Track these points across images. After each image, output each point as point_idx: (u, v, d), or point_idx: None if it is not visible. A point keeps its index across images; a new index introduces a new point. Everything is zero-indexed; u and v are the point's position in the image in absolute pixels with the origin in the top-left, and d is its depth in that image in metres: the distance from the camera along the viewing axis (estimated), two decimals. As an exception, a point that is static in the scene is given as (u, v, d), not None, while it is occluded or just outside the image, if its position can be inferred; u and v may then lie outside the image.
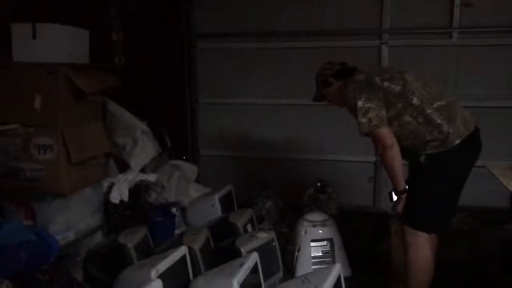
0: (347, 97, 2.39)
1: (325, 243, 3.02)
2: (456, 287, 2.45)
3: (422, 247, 2.32)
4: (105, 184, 3.13)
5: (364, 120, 2.28)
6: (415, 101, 2.30)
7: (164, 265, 2.27)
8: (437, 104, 2.30)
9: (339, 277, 2.25)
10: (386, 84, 2.33)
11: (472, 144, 2.34)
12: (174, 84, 4.38)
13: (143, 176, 3.27)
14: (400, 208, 2.38)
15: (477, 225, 3.17)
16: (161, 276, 2.17)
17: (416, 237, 2.32)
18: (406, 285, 2.41)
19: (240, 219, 3.18)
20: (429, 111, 2.29)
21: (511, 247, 2.88)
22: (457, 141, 2.27)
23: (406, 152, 2.39)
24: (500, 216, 3.63)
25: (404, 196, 2.36)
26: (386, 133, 2.29)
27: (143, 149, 3.37)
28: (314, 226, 3.07)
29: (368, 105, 2.28)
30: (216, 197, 3.52)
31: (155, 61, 4.22)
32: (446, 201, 2.36)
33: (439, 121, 2.27)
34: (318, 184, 3.92)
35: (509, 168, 2.41)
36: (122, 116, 3.41)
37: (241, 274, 2.20)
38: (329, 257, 2.99)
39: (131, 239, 2.75)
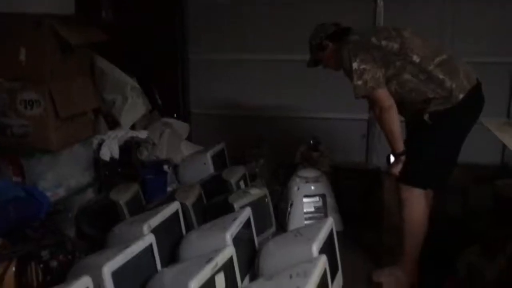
0: (342, 60, 2.32)
1: (317, 198, 3.03)
2: (449, 241, 2.46)
3: (417, 203, 2.31)
4: (95, 141, 3.09)
5: (359, 82, 2.22)
6: (415, 58, 2.23)
7: (156, 220, 2.26)
8: (438, 59, 2.24)
9: (331, 231, 2.26)
10: (383, 43, 2.26)
11: (475, 99, 2.29)
12: (164, 40, 4.26)
13: (134, 133, 3.23)
14: (398, 170, 2.34)
15: (470, 181, 3.18)
16: (153, 231, 2.16)
17: (412, 193, 2.31)
18: (399, 239, 2.42)
19: (233, 176, 3.16)
20: (430, 67, 2.22)
21: (503, 202, 2.90)
22: (461, 95, 2.21)
23: (408, 111, 2.35)
24: (493, 171, 3.65)
25: (402, 158, 2.32)
26: (384, 95, 2.23)
27: (133, 106, 3.32)
28: (306, 182, 3.07)
29: (363, 66, 2.21)
30: (209, 155, 3.49)
31: (143, 16, 4.08)
32: (448, 158, 2.34)
33: (441, 76, 2.21)
34: (311, 141, 3.90)
35: (505, 123, 2.39)
36: (111, 72, 3.34)
37: (234, 228, 2.19)
38: (321, 212, 3.00)
39: (122, 196, 2.73)
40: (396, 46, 2.24)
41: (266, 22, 4.21)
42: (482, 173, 3.54)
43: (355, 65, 2.21)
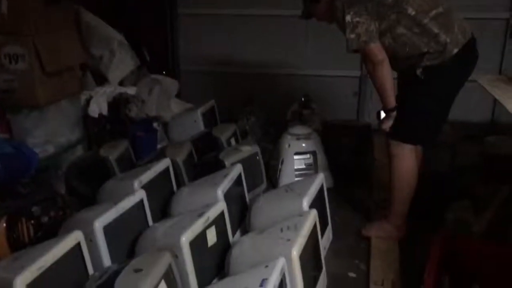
0: (335, 12, 2.25)
1: (308, 156, 3.02)
2: (437, 196, 2.49)
3: (407, 158, 2.31)
4: (83, 97, 3.04)
5: (352, 35, 2.16)
6: (410, 11, 2.16)
7: (147, 176, 2.26)
8: (433, 12, 2.18)
9: (322, 186, 2.27)
10: None
11: (469, 54, 2.25)
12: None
13: (122, 89, 3.18)
14: (388, 125, 2.32)
15: (460, 138, 3.19)
16: (144, 187, 2.16)
17: (402, 148, 2.31)
18: (388, 195, 2.44)
19: (224, 133, 3.15)
20: (425, 20, 2.16)
21: (491, 159, 2.93)
22: (455, 50, 2.17)
23: (401, 66, 2.31)
24: (482, 129, 3.67)
25: (393, 114, 2.29)
26: (376, 49, 2.17)
27: (121, 61, 3.25)
28: (297, 139, 3.05)
29: (357, 19, 2.15)
30: (199, 112, 3.47)
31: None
32: (439, 114, 2.33)
33: (436, 30, 2.16)
34: (302, 99, 3.87)
35: (497, 79, 2.37)
36: (97, 27, 3.25)
37: (225, 184, 2.20)
38: (312, 169, 3.00)
39: (112, 152, 2.72)
40: None
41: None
42: (471, 130, 3.57)
43: (348, 17, 2.15)
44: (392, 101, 2.26)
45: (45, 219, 2.15)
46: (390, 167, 2.38)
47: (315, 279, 1.90)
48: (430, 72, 2.18)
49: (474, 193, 2.57)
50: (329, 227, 2.35)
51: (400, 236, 2.40)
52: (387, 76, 2.21)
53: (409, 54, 2.21)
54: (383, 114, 2.32)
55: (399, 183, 2.34)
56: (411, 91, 2.29)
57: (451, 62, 2.17)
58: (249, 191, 2.56)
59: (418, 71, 2.20)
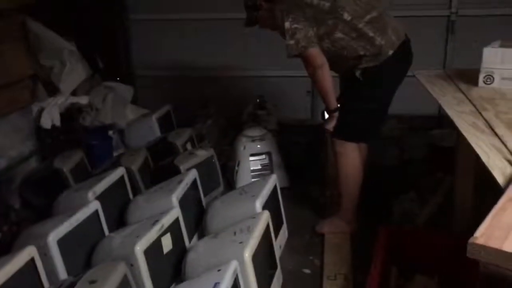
0: (275, 20, 2.32)
1: (263, 156, 3.09)
2: (386, 189, 2.61)
3: (351, 156, 2.42)
4: (35, 108, 3.00)
5: (292, 42, 2.23)
6: (346, 16, 2.25)
7: (101, 186, 2.27)
8: (368, 17, 2.27)
9: (275, 187, 2.34)
10: (315, 1, 2.25)
11: (404, 54, 2.37)
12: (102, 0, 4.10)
13: (74, 99, 3.16)
14: (332, 126, 2.41)
15: (407, 132, 3.33)
16: (99, 198, 2.17)
17: (346, 147, 2.41)
18: (339, 192, 2.54)
19: (179, 138, 3.18)
20: (361, 25, 2.26)
21: (437, 150, 3.08)
22: (390, 52, 2.29)
23: (340, 68, 2.41)
24: (429, 123, 3.83)
25: (336, 114, 2.38)
26: (315, 54, 2.25)
27: (72, 71, 3.21)
28: (252, 141, 3.11)
29: (295, 25, 2.22)
30: (154, 118, 3.48)
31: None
32: (378, 112, 2.44)
33: (371, 34, 2.27)
34: (258, 100, 3.94)
35: (436, 76, 2.49)
36: (46, 36, 3.19)
37: (180, 190, 2.23)
38: (268, 169, 3.07)
39: (67, 163, 2.71)
40: (327, 4, 2.24)
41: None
42: (419, 124, 3.72)
43: (287, 24, 2.23)
44: (333, 102, 2.36)
45: (-2, 234, 2.14)
46: (335, 165, 2.48)
47: (271, 278, 1.97)
48: (368, 74, 2.30)
49: (420, 185, 2.70)
50: (284, 226, 2.41)
51: (352, 230, 2.51)
52: (327, 79, 2.29)
53: (347, 57, 2.31)
54: (326, 115, 2.41)
55: (345, 179, 2.45)
56: (351, 92, 2.40)
57: (387, 63, 2.28)
58: (205, 194, 2.60)
59: (357, 73, 2.31)
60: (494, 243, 1.02)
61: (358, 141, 2.45)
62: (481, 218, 1.11)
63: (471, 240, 1.03)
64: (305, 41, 2.22)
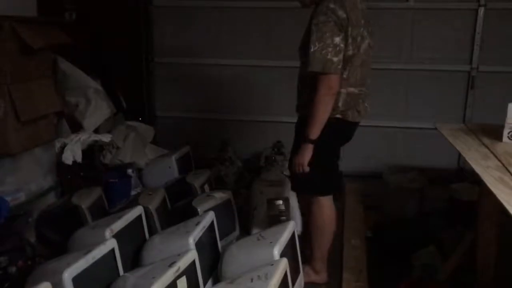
0: (317, 14, 2.15)
1: (280, 202, 3.06)
2: (403, 240, 2.55)
3: (325, 206, 2.42)
4: (57, 144, 3.04)
5: (319, 55, 2.09)
6: (345, 75, 2.21)
7: (119, 225, 2.26)
8: (350, 89, 2.26)
9: (293, 234, 2.30)
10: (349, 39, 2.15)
11: (347, 132, 2.43)
12: (129, 43, 4.23)
13: (97, 137, 3.20)
14: (307, 159, 2.25)
15: (426, 184, 3.30)
16: (116, 236, 2.15)
17: (318, 201, 2.41)
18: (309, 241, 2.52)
19: (197, 180, 3.18)
20: (342, 90, 2.23)
21: (456, 204, 3.03)
22: (358, 120, 2.35)
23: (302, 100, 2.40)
24: (448, 176, 3.79)
25: (311, 147, 2.23)
26: (337, 81, 2.16)
27: (96, 108, 3.28)
28: (270, 185, 3.10)
29: (332, 41, 2.10)
30: (173, 158, 3.50)
31: (108, 17, 4.04)
32: (332, 166, 2.45)
33: (339, 104, 2.25)
34: (275, 145, 3.95)
35: (458, 129, 2.49)
36: (73, 74, 3.30)
37: (197, 232, 2.21)
38: (284, 215, 3.03)
39: (85, 200, 2.71)
40: (349, 53, 2.18)
41: (229, 27, 4.25)
42: (438, 176, 3.68)
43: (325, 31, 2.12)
44: (317, 133, 2.22)
45: (12, 269, 2.12)
46: (308, 215, 2.48)
47: (286, 328, 1.91)
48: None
49: (440, 238, 2.64)
50: (301, 275, 2.36)
51: (322, 280, 2.47)
52: (328, 109, 2.21)
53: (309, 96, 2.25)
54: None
55: (318, 230, 2.44)
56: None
57: (349, 126, 2.36)
58: (221, 238, 2.57)
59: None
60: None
61: (328, 194, 2.44)
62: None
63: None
64: (336, 63, 2.13)
